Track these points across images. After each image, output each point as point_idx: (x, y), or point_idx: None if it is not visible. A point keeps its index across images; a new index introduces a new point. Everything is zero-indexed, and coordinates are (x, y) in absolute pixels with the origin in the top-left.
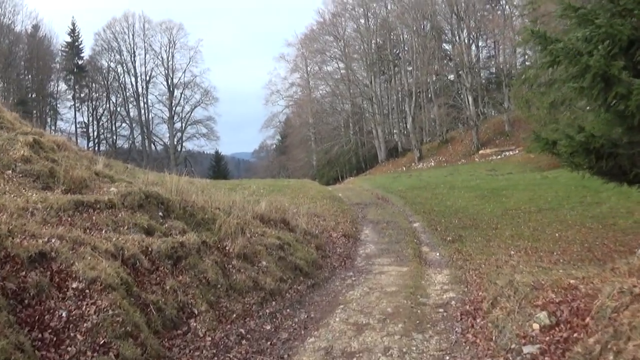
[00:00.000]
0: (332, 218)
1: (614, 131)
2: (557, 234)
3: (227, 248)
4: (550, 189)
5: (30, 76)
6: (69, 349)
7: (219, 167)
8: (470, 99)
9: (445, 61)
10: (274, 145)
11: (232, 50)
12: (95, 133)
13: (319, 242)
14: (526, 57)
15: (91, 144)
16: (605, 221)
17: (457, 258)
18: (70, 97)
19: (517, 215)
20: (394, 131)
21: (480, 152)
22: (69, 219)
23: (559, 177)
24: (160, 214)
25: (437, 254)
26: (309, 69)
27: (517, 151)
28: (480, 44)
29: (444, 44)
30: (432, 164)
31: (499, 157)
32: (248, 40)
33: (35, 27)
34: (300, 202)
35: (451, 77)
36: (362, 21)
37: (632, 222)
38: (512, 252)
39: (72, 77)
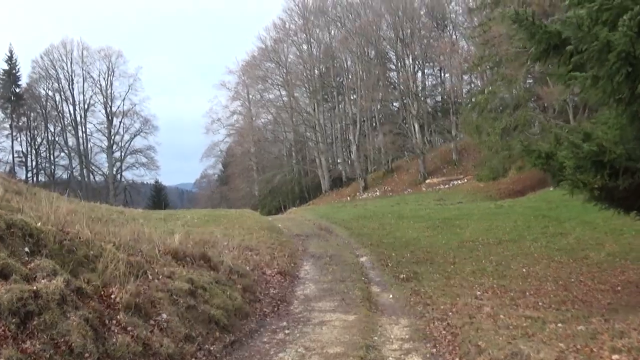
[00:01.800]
0: (268, 252)
1: (630, 140)
2: (524, 270)
3: (112, 296)
4: (508, 219)
5: None
6: None
7: (159, 197)
8: (416, 126)
9: (390, 89)
10: (216, 175)
11: (177, 81)
12: (34, 163)
13: (248, 283)
14: (472, 85)
15: (30, 174)
16: (575, 254)
17: (416, 302)
18: (7, 125)
19: (475, 247)
20: (338, 160)
21: (427, 181)
22: None
23: (514, 206)
24: (27, 249)
25: (390, 296)
26: (250, 96)
27: (465, 180)
28: (426, 71)
29: (389, 72)
30: (378, 193)
31: (447, 186)
32: (192, 70)
33: None
34: (234, 233)
35: (396, 104)
36: (305, 47)
37: (605, 254)
38: (479, 293)
39: (9, 105)
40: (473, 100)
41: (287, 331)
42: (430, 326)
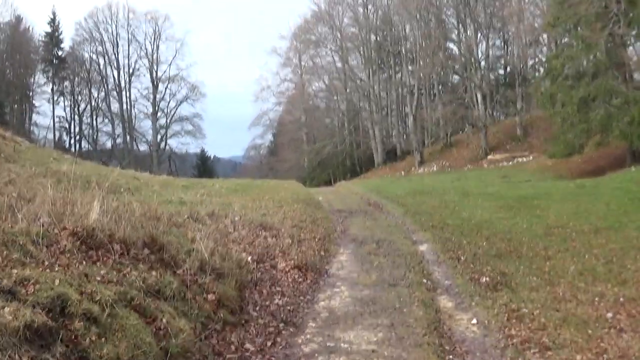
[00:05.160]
0: (292, 232)
1: None
2: None
3: None
4: (597, 201)
5: (11, 70)
6: None
7: (204, 167)
8: (479, 97)
9: (450, 62)
10: (265, 146)
11: (226, 54)
12: (76, 129)
13: (228, 290)
14: (537, 59)
15: (72, 141)
16: None
17: (521, 337)
18: (48, 90)
19: (567, 236)
20: (393, 132)
21: (489, 157)
22: None
23: (598, 186)
24: None
25: (474, 321)
26: (302, 63)
27: (531, 157)
28: (490, 42)
29: (450, 43)
30: (435, 168)
31: (510, 163)
32: (243, 43)
33: (18, 19)
34: (258, 205)
35: (457, 76)
36: (361, 10)
37: None
38: (609, 315)
39: (51, 69)
40: (546, 65)
41: None
42: None
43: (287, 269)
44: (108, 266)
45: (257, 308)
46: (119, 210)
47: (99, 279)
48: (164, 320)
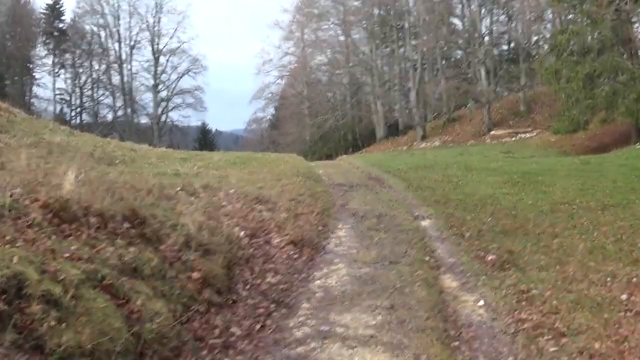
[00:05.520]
0: (289, 206)
1: None
2: None
3: None
4: (603, 178)
5: (12, 42)
6: None
7: (205, 140)
8: (482, 72)
9: (453, 36)
10: (267, 119)
11: (231, 25)
12: (78, 102)
13: (215, 267)
14: (540, 35)
15: (73, 113)
16: None
17: (532, 321)
18: (49, 62)
19: (575, 213)
20: (395, 107)
21: (492, 132)
22: None
23: (603, 162)
24: None
25: (481, 303)
26: (304, 36)
27: (534, 133)
28: (494, 18)
29: (453, 19)
30: (437, 143)
31: (514, 139)
32: (245, 18)
33: None
34: (256, 178)
35: (460, 52)
36: None
37: None
38: (623, 297)
39: (52, 41)
40: (552, 41)
41: None
42: None
43: (282, 245)
44: (80, 241)
45: (247, 287)
46: (97, 181)
47: (67, 255)
48: (139, 302)
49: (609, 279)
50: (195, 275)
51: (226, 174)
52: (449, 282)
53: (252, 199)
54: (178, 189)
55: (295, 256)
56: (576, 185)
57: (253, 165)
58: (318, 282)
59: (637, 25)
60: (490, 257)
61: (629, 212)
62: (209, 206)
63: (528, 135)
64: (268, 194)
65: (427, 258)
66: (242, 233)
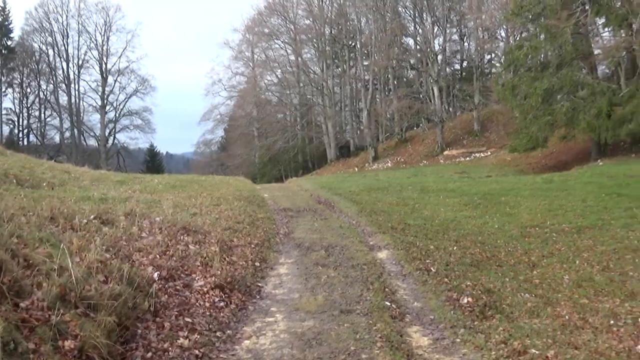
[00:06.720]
0: (223, 236)
1: None
2: None
3: None
4: (571, 197)
5: None
6: None
7: (153, 162)
8: (435, 91)
9: (406, 55)
10: (216, 141)
11: (178, 49)
12: (25, 122)
13: (94, 332)
14: (496, 51)
15: (20, 134)
16: None
17: None
18: None
19: (548, 237)
20: (347, 128)
21: (446, 152)
22: None
23: (567, 181)
24: None
25: None
26: (255, 56)
27: (488, 152)
28: (447, 37)
29: (406, 38)
30: (389, 164)
31: (468, 158)
32: (195, 37)
33: None
34: (191, 203)
35: (413, 71)
36: (316, 1)
37: None
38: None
39: None
40: (507, 57)
41: None
42: None
43: (205, 289)
44: None
45: (149, 355)
46: None
47: None
48: None
49: (612, 322)
50: (69, 344)
51: (159, 199)
52: (418, 338)
53: (179, 228)
54: (91, 217)
55: (221, 304)
56: (543, 205)
57: (193, 189)
58: (247, 342)
59: (597, 39)
60: (466, 300)
61: (607, 234)
62: (120, 239)
63: (482, 154)
64: (201, 221)
65: (387, 303)
66: (155, 275)
